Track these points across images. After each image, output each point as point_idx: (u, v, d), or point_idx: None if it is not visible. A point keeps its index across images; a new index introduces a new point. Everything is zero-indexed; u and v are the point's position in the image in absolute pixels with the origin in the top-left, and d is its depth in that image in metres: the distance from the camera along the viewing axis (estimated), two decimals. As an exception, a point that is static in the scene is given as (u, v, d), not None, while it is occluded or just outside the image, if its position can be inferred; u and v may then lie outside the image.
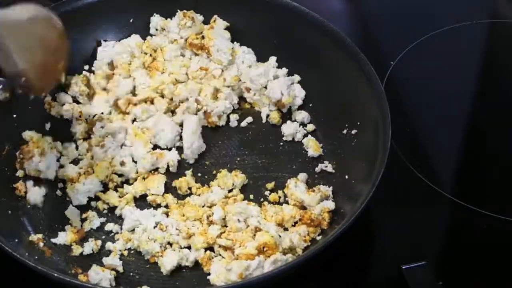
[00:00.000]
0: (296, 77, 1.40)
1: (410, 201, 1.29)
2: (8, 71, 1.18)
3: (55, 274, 1.03)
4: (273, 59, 1.42)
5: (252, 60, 1.42)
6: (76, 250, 1.16)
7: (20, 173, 1.25)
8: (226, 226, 1.19)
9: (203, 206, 1.23)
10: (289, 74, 1.40)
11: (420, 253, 1.20)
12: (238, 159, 1.32)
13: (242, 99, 1.40)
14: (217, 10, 1.44)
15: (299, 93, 1.38)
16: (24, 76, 1.18)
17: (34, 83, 1.19)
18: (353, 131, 1.28)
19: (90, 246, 1.17)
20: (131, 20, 1.46)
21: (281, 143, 1.35)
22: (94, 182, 1.25)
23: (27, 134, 1.29)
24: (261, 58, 1.43)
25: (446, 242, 1.27)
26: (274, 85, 1.36)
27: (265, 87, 1.38)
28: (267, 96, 1.37)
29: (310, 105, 1.38)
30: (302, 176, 1.27)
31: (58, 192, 1.25)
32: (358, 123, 1.28)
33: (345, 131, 1.30)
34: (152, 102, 1.37)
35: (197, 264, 1.16)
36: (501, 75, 1.54)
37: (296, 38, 1.40)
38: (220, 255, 1.16)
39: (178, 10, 1.44)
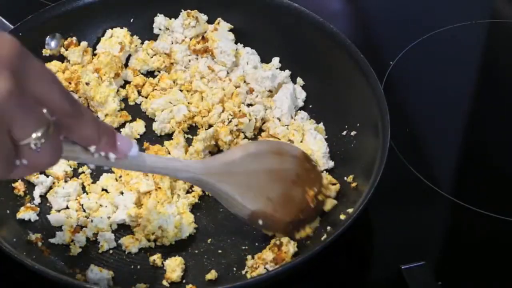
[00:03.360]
0: (300, 81, 1.40)
1: (409, 201, 1.29)
2: (242, 218, 1.15)
3: (52, 274, 1.03)
4: (276, 60, 1.41)
5: (257, 61, 1.41)
6: (74, 250, 1.16)
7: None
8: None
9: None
10: (291, 75, 1.40)
11: (420, 253, 1.19)
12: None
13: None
14: (218, 11, 1.44)
15: (300, 95, 1.38)
16: (261, 216, 1.14)
17: (276, 218, 1.15)
18: (352, 133, 1.28)
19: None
20: (131, 20, 1.46)
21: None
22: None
23: None
24: (263, 59, 1.42)
25: (446, 242, 1.27)
26: (283, 108, 1.34)
27: (269, 91, 1.37)
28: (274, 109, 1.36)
29: (310, 106, 1.37)
30: None
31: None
32: (358, 125, 1.28)
33: (344, 133, 1.29)
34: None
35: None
36: (501, 75, 1.54)
37: (297, 39, 1.40)
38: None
39: (182, 10, 1.44)
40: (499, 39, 1.61)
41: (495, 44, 1.61)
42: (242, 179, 1.13)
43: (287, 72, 1.39)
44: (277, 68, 1.40)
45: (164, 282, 1.13)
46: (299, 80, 1.39)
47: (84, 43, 1.41)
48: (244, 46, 1.44)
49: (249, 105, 1.37)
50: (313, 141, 1.28)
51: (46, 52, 1.39)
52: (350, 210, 1.14)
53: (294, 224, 1.17)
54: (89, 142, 0.90)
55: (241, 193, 1.13)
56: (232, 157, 1.15)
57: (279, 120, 1.34)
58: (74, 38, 1.40)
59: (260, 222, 1.15)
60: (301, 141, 1.30)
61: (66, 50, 1.40)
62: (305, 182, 1.18)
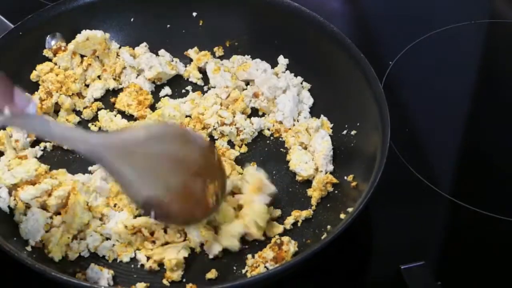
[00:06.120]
0: (306, 86, 1.39)
1: (409, 201, 1.29)
2: (134, 201, 1.12)
3: (52, 273, 1.03)
4: (282, 60, 1.41)
5: (266, 66, 1.41)
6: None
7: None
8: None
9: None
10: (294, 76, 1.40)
11: (419, 253, 1.20)
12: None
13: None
14: (217, 11, 1.45)
15: (308, 101, 1.37)
16: (155, 205, 1.10)
17: (172, 210, 1.12)
18: (352, 132, 1.28)
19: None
20: (132, 19, 1.46)
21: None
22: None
23: None
24: (262, 59, 1.42)
25: (445, 242, 1.27)
26: (285, 111, 1.34)
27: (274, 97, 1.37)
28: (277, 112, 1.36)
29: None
30: None
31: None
32: (358, 124, 1.28)
33: (344, 132, 1.30)
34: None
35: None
36: (500, 75, 1.54)
37: (297, 39, 1.40)
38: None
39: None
40: (498, 39, 1.62)
41: (494, 44, 1.61)
42: (142, 161, 1.09)
43: (299, 79, 1.39)
44: (286, 70, 1.40)
45: (165, 281, 1.13)
46: (306, 84, 1.39)
47: (71, 47, 1.39)
48: (244, 50, 1.44)
49: (253, 108, 1.37)
50: (319, 141, 1.28)
51: (46, 52, 1.38)
52: (350, 209, 1.15)
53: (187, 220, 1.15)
54: None
55: (138, 176, 1.09)
56: (135, 136, 1.11)
57: (281, 124, 1.34)
58: (63, 44, 1.39)
59: (152, 213, 1.11)
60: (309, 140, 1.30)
61: (55, 56, 1.39)
62: (207, 175, 1.14)
